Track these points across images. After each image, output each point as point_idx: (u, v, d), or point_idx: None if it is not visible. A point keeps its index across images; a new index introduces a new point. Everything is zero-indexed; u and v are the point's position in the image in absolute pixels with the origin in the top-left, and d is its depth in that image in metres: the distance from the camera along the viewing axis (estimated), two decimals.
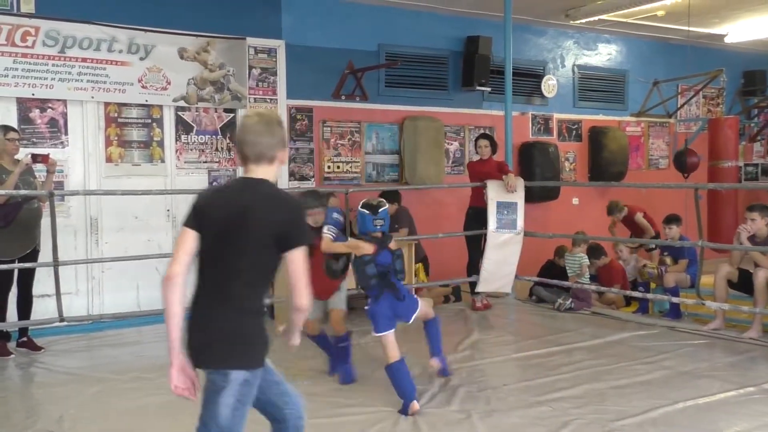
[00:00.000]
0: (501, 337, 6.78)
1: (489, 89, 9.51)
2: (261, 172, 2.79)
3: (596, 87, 10.98)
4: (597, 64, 10.99)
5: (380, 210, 4.79)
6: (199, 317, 2.71)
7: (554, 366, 5.59)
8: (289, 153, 8.33)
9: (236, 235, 2.66)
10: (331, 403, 4.71)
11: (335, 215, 5.21)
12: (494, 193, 7.66)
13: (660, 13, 9.32)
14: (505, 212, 7.66)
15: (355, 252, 4.81)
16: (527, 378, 5.31)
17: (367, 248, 4.76)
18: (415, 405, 4.49)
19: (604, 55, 11.05)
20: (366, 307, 4.79)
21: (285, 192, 2.88)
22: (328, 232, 5.04)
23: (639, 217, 8.78)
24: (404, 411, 4.47)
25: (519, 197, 7.71)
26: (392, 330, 4.67)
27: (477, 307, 7.78)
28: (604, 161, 10.62)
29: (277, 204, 2.72)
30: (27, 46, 6.80)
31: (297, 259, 2.67)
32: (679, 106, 11.41)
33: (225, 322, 2.66)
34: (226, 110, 7.97)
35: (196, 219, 2.73)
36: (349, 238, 5.36)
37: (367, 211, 4.79)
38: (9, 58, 6.74)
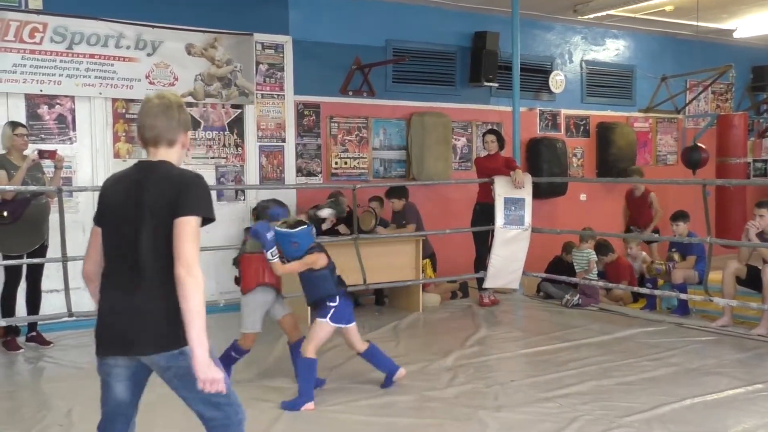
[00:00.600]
0: (508, 333, 6.78)
1: (497, 85, 9.49)
2: (161, 154, 2.75)
3: (604, 82, 10.94)
4: (605, 60, 10.95)
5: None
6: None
7: (562, 362, 5.59)
8: (297, 149, 8.35)
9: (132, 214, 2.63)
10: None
11: (268, 235, 4.64)
12: (502, 189, 7.66)
13: (668, 8, 9.29)
14: (513, 208, 7.65)
15: (314, 266, 4.73)
16: (535, 374, 5.31)
17: (323, 259, 4.76)
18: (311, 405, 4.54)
19: (612, 50, 11.01)
20: (332, 307, 4.72)
21: (183, 171, 2.76)
22: (272, 258, 4.66)
23: (653, 197, 8.90)
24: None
25: (527, 193, 7.70)
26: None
27: (484, 303, 7.78)
28: (612, 157, 10.58)
29: (168, 181, 2.66)
30: (35, 43, 6.82)
31: (182, 224, 2.56)
32: (687, 101, 11.36)
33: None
34: (234, 106, 7.98)
35: (98, 210, 2.79)
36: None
37: (304, 226, 4.70)
38: (17, 55, 6.76)
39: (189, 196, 2.63)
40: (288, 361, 5.17)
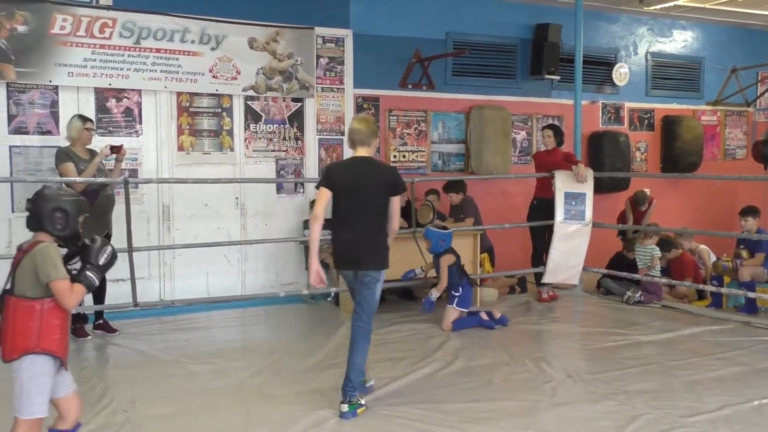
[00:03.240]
0: (567, 328, 6.69)
1: (558, 77, 9.35)
2: (363, 151, 4.47)
3: (670, 75, 10.65)
4: (671, 52, 10.66)
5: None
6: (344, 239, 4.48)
7: (622, 359, 5.48)
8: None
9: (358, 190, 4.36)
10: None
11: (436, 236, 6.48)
12: (562, 183, 7.54)
13: None
14: (573, 203, 7.53)
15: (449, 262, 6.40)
16: (594, 371, 5.22)
17: (453, 258, 6.48)
18: None
19: (679, 41, 10.71)
20: (456, 296, 6.38)
21: (387, 164, 4.64)
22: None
23: (654, 204, 9.23)
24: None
25: (588, 188, 7.57)
26: None
27: (543, 299, 7.69)
28: (678, 151, 10.32)
29: (385, 170, 4.58)
30: (105, 38, 7.02)
31: (396, 201, 4.46)
32: (758, 94, 10.98)
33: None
34: (294, 99, 8.06)
35: (329, 182, 4.41)
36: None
37: (449, 230, 6.59)
38: (88, 49, 6.96)
39: (398, 182, 4.48)
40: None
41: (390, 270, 6.96)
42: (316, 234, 4.38)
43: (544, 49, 9.16)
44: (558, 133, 7.81)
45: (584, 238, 7.62)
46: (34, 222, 3.10)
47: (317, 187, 4.57)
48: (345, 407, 4.29)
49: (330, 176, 4.47)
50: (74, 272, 3.09)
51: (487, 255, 7.94)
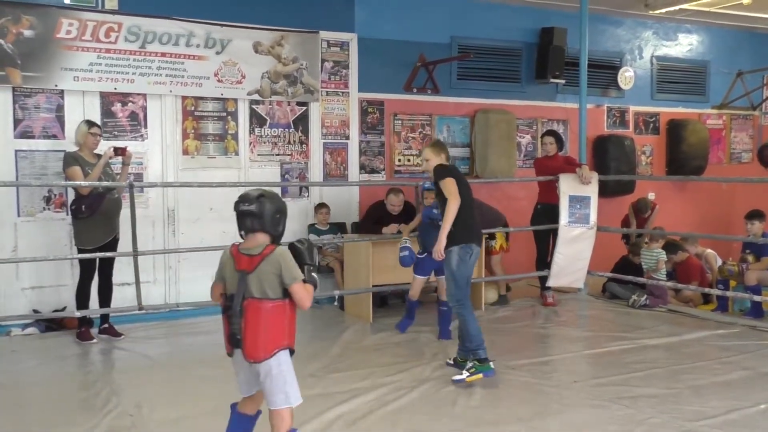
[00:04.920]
0: (572, 332, 6.67)
1: (563, 81, 9.34)
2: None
3: (676, 78, 10.63)
4: (677, 55, 10.64)
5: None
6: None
7: (628, 363, 5.47)
8: (360, 146, 8.42)
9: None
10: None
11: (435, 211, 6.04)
12: (567, 186, 7.53)
13: (746, 1, 8.95)
14: (578, 206, 7.52)
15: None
16: (599, 375, 5.21)
17: None
18: None
19: (685, 45, 10.69)
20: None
21: None
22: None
23: (657, 210, 9.16)
24: None
25: (592, 191, 7.55)
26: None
27: (548, 303, 7.67)
28: (683, 155, 10.30)
29: None
30: (110, 42, 7.04)
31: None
32: (764, 97, 10.96)
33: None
34: (299, 104, 8.07)
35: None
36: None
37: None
38: (93, 54, 6.98)
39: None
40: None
41: (388, 275, 7.02)
42: (451, 216, 5.07)
43: (549, 53, 9.15)
44: (558, 139, 7.82)
45: (589, 242, 7.60)
46: (256, 222, 3.17)
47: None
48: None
49: (459, 176, 5.30)
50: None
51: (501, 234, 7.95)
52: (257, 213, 3.16)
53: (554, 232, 7.63)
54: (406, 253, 6.21)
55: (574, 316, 7.43)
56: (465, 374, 4.94)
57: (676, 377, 5.10)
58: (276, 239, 3.24)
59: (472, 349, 5.00)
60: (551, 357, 5.77)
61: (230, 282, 3.19)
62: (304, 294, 3.17)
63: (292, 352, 3.23)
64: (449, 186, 5.09)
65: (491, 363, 5.01)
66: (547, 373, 5.26)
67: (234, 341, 3.15)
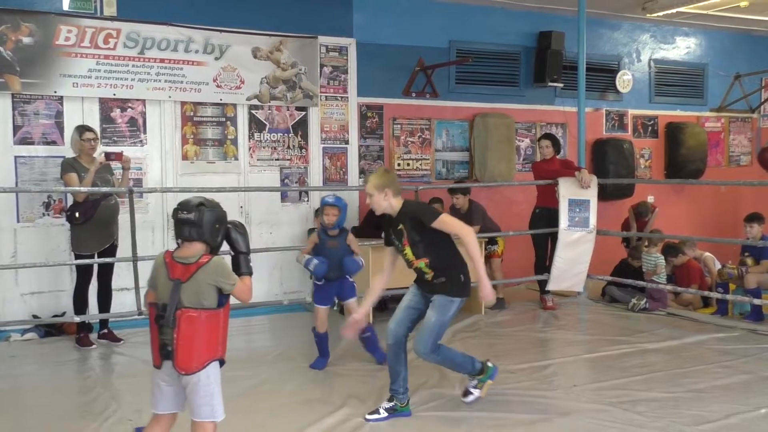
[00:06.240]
0: (572, 336, 6.67)
1: (561, 85, 9.35)
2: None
3: (674, 81, 10.64)
4: (675, 58, 10.66)
5: None
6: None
7: (627, 367, 5.47)
8: (360, 151, 8.42)
9: None
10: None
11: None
12: (566, 190, 7.54)
13: (743, 3, 8.96)
14: (578, 210, 7.53)
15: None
16: (599, 379, 5.20)
17: None
18: None
19: (683, 48, 10.71)
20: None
21: None
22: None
23: (656, 213, 9.14)
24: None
25: (592, 195, 7.56)
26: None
27: (548, 307, 7.68)
28: (682, 158, 10.30)
29: None
30: (109, 48, 7.05)
31: None
32: (762, 100, 10.97)
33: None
34: (298, 108, 8.08)
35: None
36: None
37: None
38: (92, 60, 7.00)
39: None
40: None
41: (392, 279, 7.01)
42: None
43: (548, 57, 9.17)
44: (555, 142, 7.83)
45: (589, 246, 7.60)
46: (194, 232, 3.09)
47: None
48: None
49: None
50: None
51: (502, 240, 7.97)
52: (196, 222, 3.07)
53: (553, 236, 7.64)
54: (318, 262, 5.34)
55: (573, 320, 7.43)
56: (476, 393, 4.64)
57: (676, 381, 5.10)
58: (214, 249, 3.16)
59: (470, 371, 4.63)
60: (551, 361, 5.76)
61: (162, 290, 3.08)
62: (244, 290, 3.19)
63: (222, 363, 3.16)
64: (450, 221, 4.34)
65: (489, 362, 4.72)
66: (547, 377, 5.26)
67: (165, 353, 3.04)
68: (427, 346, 4.34)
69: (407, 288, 6.54)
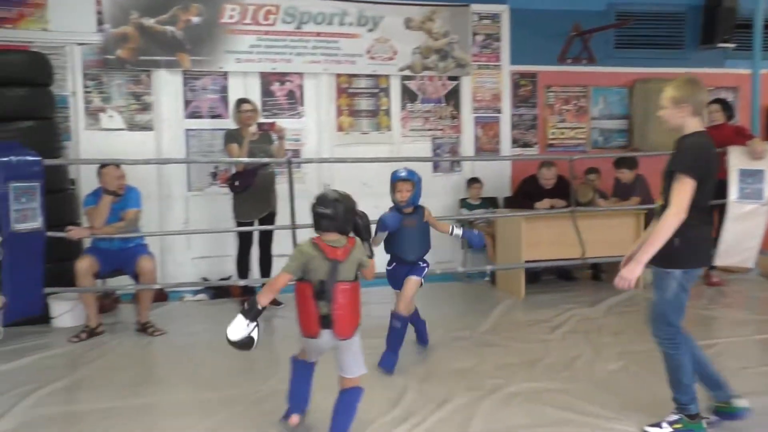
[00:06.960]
0: (740, 315, 6.26)
1: (733, 46, 8.68)
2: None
3: None
4: None
5: None
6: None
7: None
8: (512, 120, 8.26)
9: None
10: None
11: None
12: (737, 159, 7.01)
13: None
14: (750, 181, 6.99)
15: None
16: None
17: None
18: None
19: None
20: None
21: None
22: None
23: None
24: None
25: (766, 164, 7.00)
26: None
27: (713, 282, 7.24)
28: None
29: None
30: (269, 24, 7.33)
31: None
32: None
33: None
34: (450, 78, 8.04)
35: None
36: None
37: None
38: (253, 36, 7.31)
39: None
40: None
41: (541, 250, 6.87)
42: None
43: (718, 15, 8.53)
44: (727, 107, 7.27)
45: (762, 219, 7.05)
46: (332, 225, 3.47)
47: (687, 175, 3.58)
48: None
49: (707, 160, 3.73)
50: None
51: None
52: (332, 216, 3.46)
53: (720, 208, 7.16)
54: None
55: (742, 298, 6.97)
56: (667, 428, 3.77)
57: None
58: (346, 234, 3.56)
59: (683, 403, 3.74)
60: (717, 340, 5.44)
61: (318, 270, 3.42)
62: (372, 268, 3.69)
63: None
64: (679, 186, 3.55)
65: (704, 421, 3.75)
66: (713, 357, 4.96)
67: (325, 322, 3.45)
68: (660, 333, 3.88)
69: (559, 259, 6.38)
